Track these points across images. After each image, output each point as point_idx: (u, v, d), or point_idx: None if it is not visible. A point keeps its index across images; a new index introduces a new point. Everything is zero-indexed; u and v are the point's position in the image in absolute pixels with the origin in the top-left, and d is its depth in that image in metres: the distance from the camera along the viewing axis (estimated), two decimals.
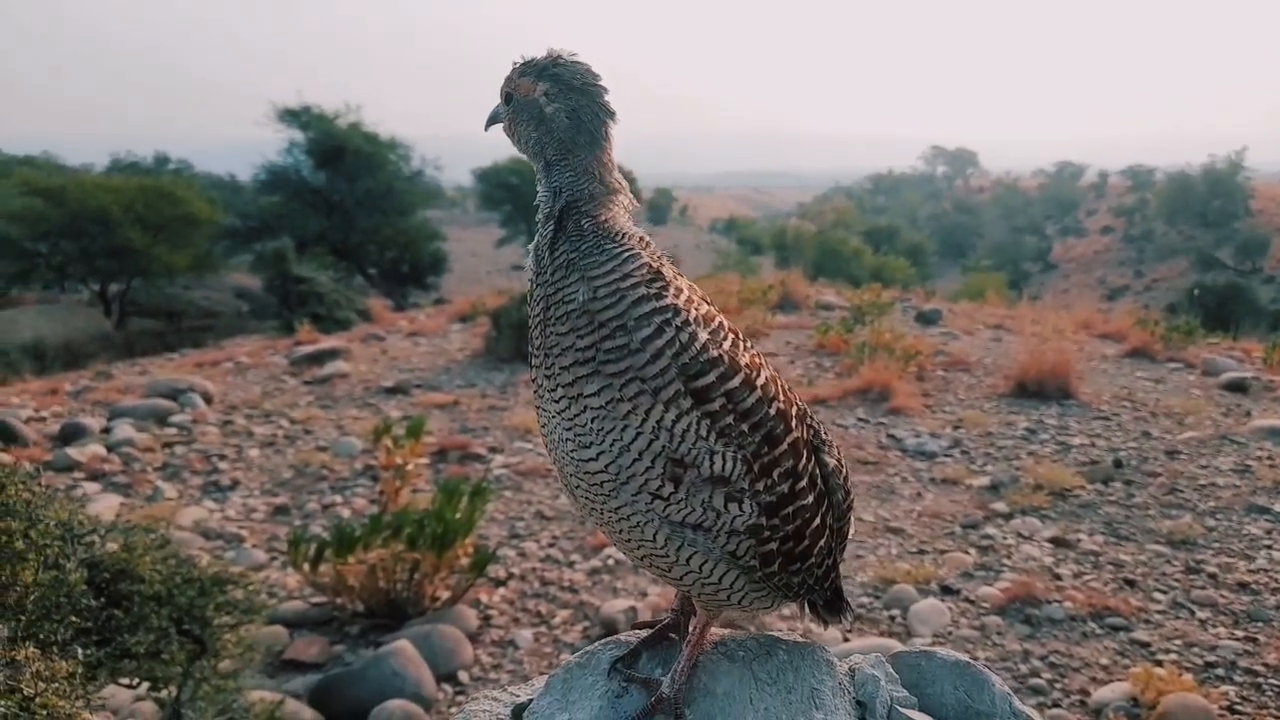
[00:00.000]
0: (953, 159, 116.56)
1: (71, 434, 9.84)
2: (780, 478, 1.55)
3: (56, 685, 2.66)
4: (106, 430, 10.09)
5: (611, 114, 1.61)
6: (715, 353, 1.49)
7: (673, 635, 1.84)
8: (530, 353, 1.59)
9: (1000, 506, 7.41)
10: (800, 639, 1.81)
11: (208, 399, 11.60)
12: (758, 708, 1.64)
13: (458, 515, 5.90)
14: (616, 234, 1.55)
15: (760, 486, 1.53)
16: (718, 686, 1.67)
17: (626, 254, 1.52)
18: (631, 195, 1.63)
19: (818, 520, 1.65)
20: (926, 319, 15.94)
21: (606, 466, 1.48)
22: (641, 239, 1.58)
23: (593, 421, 1.47)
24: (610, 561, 6.69)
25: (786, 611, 1.83)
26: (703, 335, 1.50)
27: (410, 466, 7.43)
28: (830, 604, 1.87)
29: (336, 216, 33.67)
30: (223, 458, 9.36)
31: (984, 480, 8.03)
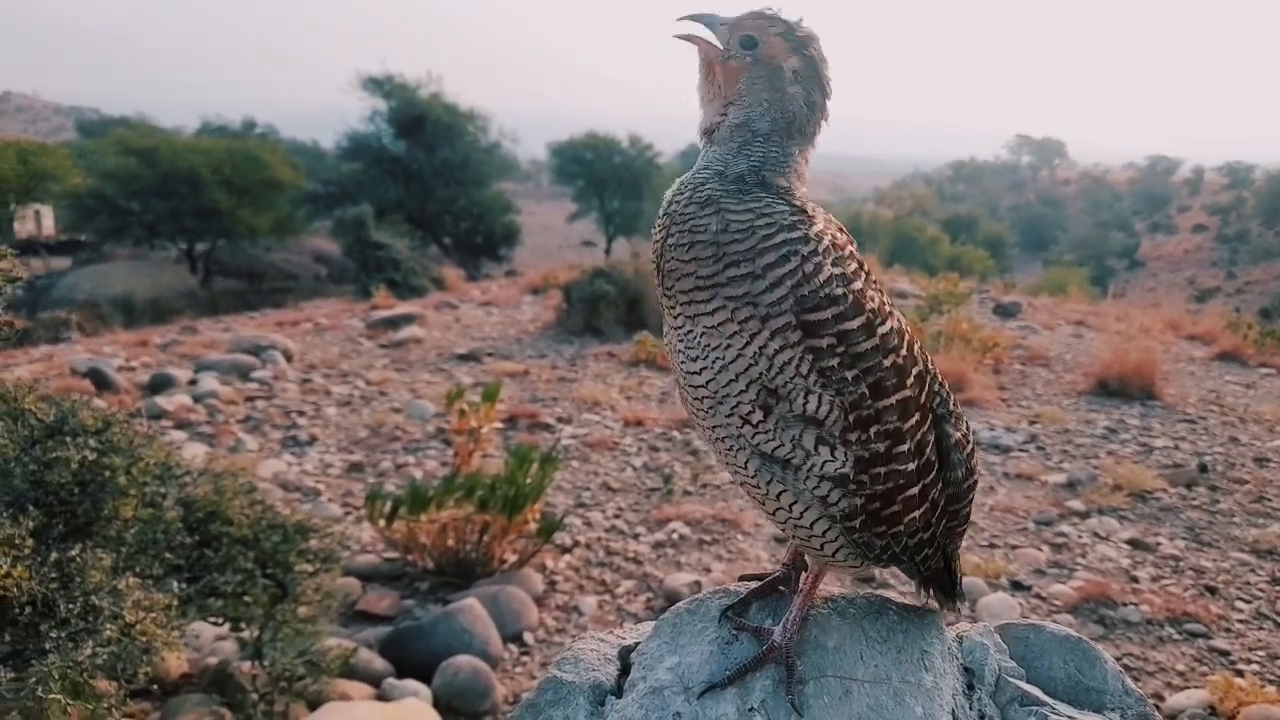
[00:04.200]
0: (1039, 148, 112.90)
1: (160, 384, 10.24)
2: (878, 435, 1.51)
3: (154, 616, 2.79)
4: (193, 382, 10.47)
5: (827, 117, 1.60)
6: (839, 290, 1.46)
7: (782, 588, 1.84)
8: (654, 272, 1.59)
9: (1076, 505, 7.22)
10: (911, 602, 1.80)
11: (288, 357, 11.95)
12: (868, 664, 1.64)
13: (528, 481, 5.99)
14: (777, 189, 1.54)
15: (853, 438, 1.49)
16: (828, 640, 1.67)
17: (773, 199, 1.51)
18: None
19: (915, 490, 1.60)
20: (1005, 311, 15.57)
21: (707, 383, 1.49)
22: (805, 203, 1.56)
23: (701, 337, 1.48)
24: (675, 536, 6.72)
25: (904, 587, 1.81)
26: (829, 270, 1.47)
27: (483, 431, 7.55)
28: (944, 587, 1.83)
29: (414, 185, 34.26)
30: (301, 414, 9.63)
31: (1060, 477, 7.83)
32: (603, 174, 40.78)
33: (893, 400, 1.52)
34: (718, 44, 1.60)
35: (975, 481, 1.77)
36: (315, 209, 33.94)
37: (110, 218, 29.62)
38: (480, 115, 36.30)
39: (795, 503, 1.54)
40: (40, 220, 36.37)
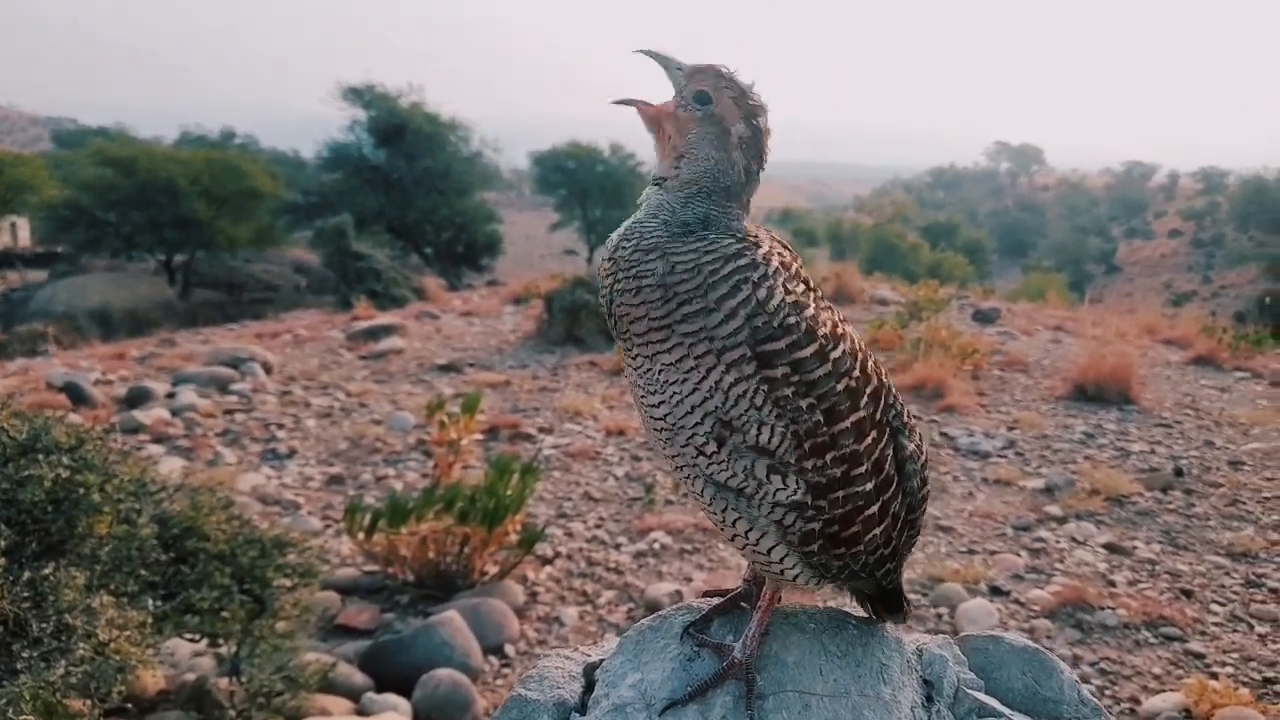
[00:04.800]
0: (1017, 155, 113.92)
1: (137, 398, 10.17)
2: (834, 461, 1.52)
3: (129, 634, 2.77)
4: (170, 395, 10.40)
5: (758, 184, 1.63)
6: (792, 319, 1.48)
7: (744, 604, 1.85)
8: (605, 315, 1.61)
9: (1054, 510, 7.28)
10: (871, 616, 1.82)
11: (267, 369, 11.89)
12: (827, 678, 1.65)
13: (508, 492, 5.98)
14: (721, 225, 1.56)
15: (809, 465, 1.50)
16: (788, 656, 1.69)
17: (717, 236, 1.53)
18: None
19: (874, 508, 1.61)
20: (984, 318, 15.67)
21: (665, 415, 1.51)
22: (748, 231, 1.57)
23: (660, 373, 1.51)
24: (656, 546, 6.72)
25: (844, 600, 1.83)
26: (781, 296, 1.48)
27: (463, 442, 7.53)
28: (889, 600, 1.85)
29: (395, 195, 34.10)
30: (281, 426, 9.58)
31: (1038, 482, 7.89)
32: (585, 183, 40.75)
33: (847, 424, 1.53)
34: (659, 103, 1.62)
35: (929, 492, 1.80)
36: (295, 219, 33.72)
37: (87, 229, 29.32)
38: (461, 125, 36.22)
39: (751, 529, 1.56)
40: (16, 232, 36.05)
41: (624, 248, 1.55)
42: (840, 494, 1.54)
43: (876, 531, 1.63)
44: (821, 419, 1.50)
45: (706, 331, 1.45)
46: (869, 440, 1.58)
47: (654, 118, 1.63)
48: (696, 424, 1.48)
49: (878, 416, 1.61)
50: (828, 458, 1.51)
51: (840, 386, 1.52)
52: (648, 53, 1.64)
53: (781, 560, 1.60)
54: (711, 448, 1.49)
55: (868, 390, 1.58)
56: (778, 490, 1.51)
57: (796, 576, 1.63)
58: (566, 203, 42.67)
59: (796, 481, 1.51)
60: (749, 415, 1.46)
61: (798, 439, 1.49)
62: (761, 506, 1.53)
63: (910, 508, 1.73)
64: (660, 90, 1.65)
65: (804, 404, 1.48)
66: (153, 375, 11.49)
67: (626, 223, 1.60)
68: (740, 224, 1.58)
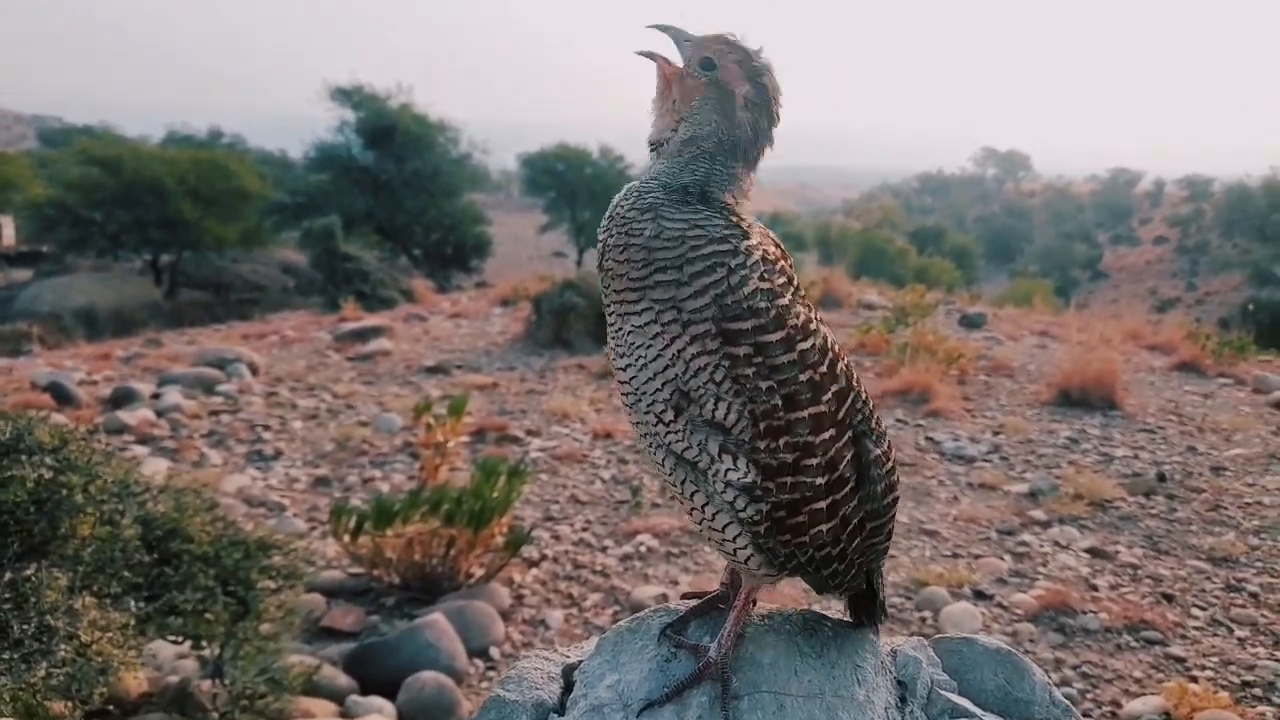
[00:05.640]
0: (1004, 161, 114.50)
1: (122, 398, 10.11)
2: (787, 446, 1.54)
3: (111, 635, 2.76)
4: (156, 396, 10.35)
5: (771, 144, 1.68)
6: (762, 304, 1.52)
7: (721, 606, 1.87)
8: (598, 271, 1.66)
9: (1038, 514, 7.32)
10: (845, 617, 1.84)
11: (254, 370, 11.84)
12: (802, 678, 1.67)
13: (495, 494, 5.98)
14: (717, 205, 1.61)
15: (762, 446, 1.53)
16: (764, 656, 1.71)
17: (711, 214, 1.58)
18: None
19: (824, 504, 1.61)
20: (970, 322, 15.73)
21: (630, 379, 1.56)
22: (743, 219, 1.62)
23: (629, 336, 1.55)
24: (642, 549, 6.73)
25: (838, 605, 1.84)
26: (754, 284, 1.53)
27: (450, 444, 7.52)
28: (865, 606, 1.86)
29: (384, 196, 34.01)
30: (267, 428, 9.55)
31: (1022, 487, 7.94)
32: (574, 185, 40.76)
33: (805, 414, 1.55)
34: (677, 62, 1.67)
35: (896, 498, 1.79)
36: (283, 220, 33.54)
37: (73, 228, 29.10)
38: (450, 126, 36.17)
39: (708, 504, 1.60)
40: (0, 231, 35.73)
41: (622, 205, 1.60)
42: (788, 480, 1.56)
43: (823, 528, 1.63)
44: (780, 403, 1.53)
45: (676, 302, 1.50)
46: (826, 435, 1.59)
47: (668, 77, 1.68)
48: (658, 390, 1.53)
49: (840, 416, 1.62)
50: (781, 441, 1.54)
51: (803, 377, 1.55)
52: (660, 27, 1.69)
53: (735, 539, 1.62)
54: (669, 415, 1.53)
55: (833, 388, 1.60)
56: (728, 470, 1.54)
57: (749, 559, 1.65)
58: (555, 205, 42.67)
59: (746, 465, 1.54)
60: (706, 389, 1.50)
61: (754, 418, 1.52)
62: (716, 484, 1.56)
63: (873, 514, 1.73)
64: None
65: (764, 385, 1.51)
66: (138, 376, 11.43)
67: (630, 184, 1.64)
68: (739, 190, 1.64)
